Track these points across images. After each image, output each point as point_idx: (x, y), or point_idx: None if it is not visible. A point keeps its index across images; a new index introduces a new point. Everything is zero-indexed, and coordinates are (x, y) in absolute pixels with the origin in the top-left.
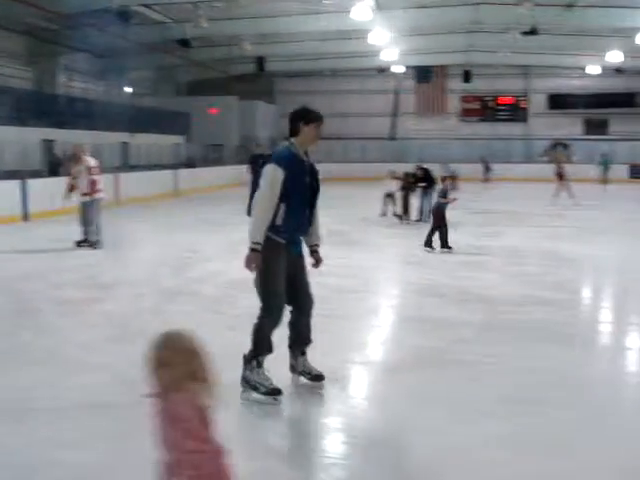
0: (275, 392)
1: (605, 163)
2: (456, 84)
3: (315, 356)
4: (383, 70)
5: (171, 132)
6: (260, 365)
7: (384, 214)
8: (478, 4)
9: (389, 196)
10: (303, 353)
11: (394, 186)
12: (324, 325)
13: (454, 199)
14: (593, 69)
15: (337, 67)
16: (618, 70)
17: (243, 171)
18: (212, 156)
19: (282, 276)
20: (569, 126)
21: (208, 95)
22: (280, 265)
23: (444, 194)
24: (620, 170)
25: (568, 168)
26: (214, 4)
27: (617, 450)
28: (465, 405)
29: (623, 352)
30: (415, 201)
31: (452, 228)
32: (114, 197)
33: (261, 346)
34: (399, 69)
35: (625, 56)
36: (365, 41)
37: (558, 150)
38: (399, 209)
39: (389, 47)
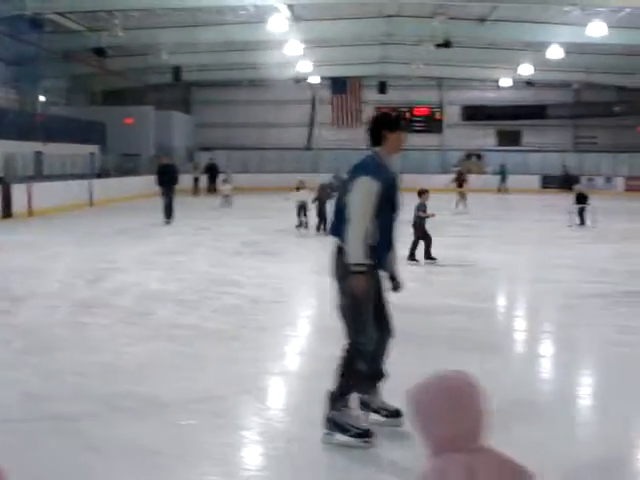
0: (367, 434)
1: (502, 173)
2: (371, 95)
3: (230, 367)
4: (299, 81)
5: (86, 141)
6: (347, 405)
7: (300, 225)
8: (391, 16)
9: (302, 207)
10: (377, 388)
11: (305, 196)
12: (240, 336)
13: (432, 214)
14: (505, 82)
15: (254, 77)
16: (529, 83)
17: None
18: (127, 166)
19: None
20: (483, 137)
21: (124, 105)
22: (370, 291)
23: (424, 208)
24: (532, 180)
25: (481, 178)
26: (130, 13)
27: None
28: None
29: (538, 360)
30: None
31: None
32: (27, 207)
33: (351, 384)
34: (315, 80)
35: (536, 69)
36: (281, 52)
37: (472, 161)
38: (309, 219)
39: (305, 58)
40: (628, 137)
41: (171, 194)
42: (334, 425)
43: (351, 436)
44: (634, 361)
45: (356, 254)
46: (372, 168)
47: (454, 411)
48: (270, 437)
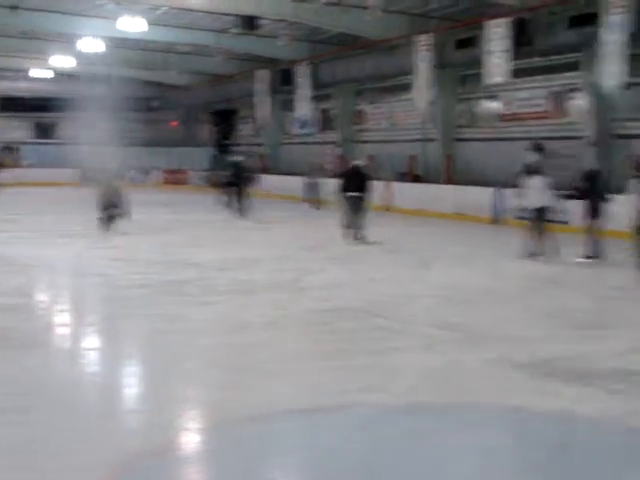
0: None
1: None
2: None
3: None
4: None
5: None
6: None
7: None
8: None
9: None
10: None
11: None
12: None
13: None
14: (42, 73)
15: None
16: (67, 75)
17: None
18: None
19: None
20: (19, 129)
21: None
22: None
23: None
24: (70, 173)
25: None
26: None
27: (94, 449)
28: None
29: (84, 353)
30: None
31: None
32: None
33: None
34: None
35: (76, 62)
36: None
37: (5, 154)
38: None
39: None
40: (165, 131)
41: None
42: None
43: None
44: (181, 348)
45: None
46: None
47: None
48: None
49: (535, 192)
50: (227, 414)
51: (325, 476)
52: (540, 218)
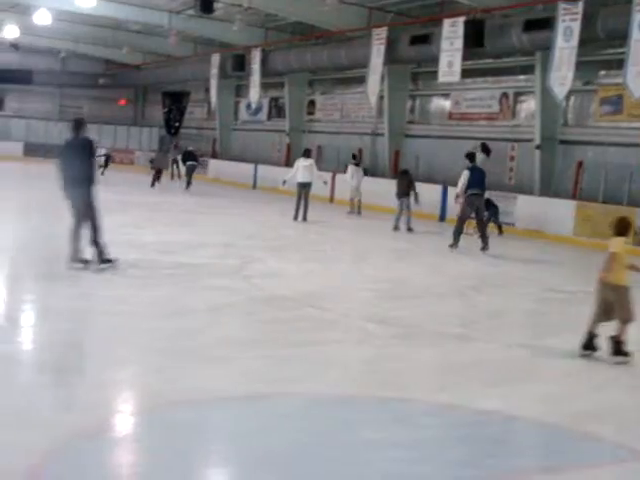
0: None
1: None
2: None
3: None
4: None
5: None
6: None
7: None
8: None
9: None
10: None
11: None
12: None
13: None
14: None
15: None
16: (14, 46)
17: None
18: None
19: None
20: None
21: None
22: None
23: None
24: (16, 147)
25: None
26: None
27: (25, 431)
28: None
29: (19, 331)
30: None
31: None
32: None
33: None
34: None
35: (21, 32)
36: None
37: None
38: None
39: None
40: (113, 110)
41: None
42: None
43: None
44: (119, 330)
45: None
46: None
47: None
48: None
49: (303, 171)
50: (160, 399)
51: (251, 463)
52: (306, 190)
